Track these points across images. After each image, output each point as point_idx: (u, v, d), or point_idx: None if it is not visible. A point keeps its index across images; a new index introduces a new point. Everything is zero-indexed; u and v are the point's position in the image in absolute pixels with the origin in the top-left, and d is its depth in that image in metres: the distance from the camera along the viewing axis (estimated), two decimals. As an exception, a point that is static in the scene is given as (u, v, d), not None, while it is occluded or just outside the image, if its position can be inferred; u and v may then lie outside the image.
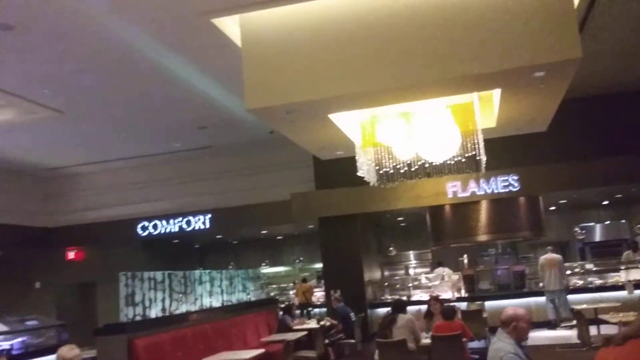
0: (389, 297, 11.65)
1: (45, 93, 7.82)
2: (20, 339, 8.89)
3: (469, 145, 6.17)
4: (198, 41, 6.42)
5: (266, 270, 15.45)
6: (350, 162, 6.94)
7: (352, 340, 9.40)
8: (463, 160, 6.26)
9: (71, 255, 12.94)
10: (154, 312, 7.51)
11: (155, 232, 12.47)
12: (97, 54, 6.77)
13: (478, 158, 6.26)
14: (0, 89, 7.50)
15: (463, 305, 9.98)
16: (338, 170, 9.68)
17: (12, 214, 11.59)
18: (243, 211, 11.88)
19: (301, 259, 16.08)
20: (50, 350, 8.61)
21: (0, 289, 12.18)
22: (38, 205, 12.53)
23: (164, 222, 12.46)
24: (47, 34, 6.17)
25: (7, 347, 8.52)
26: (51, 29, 6.05)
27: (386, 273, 14.08)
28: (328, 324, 9.35)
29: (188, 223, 12.30)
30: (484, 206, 10.57)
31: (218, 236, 14.25)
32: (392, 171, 6.62)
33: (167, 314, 7.75)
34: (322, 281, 12.59)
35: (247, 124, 9.76)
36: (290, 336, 8.40)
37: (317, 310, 12.35)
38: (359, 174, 6.79)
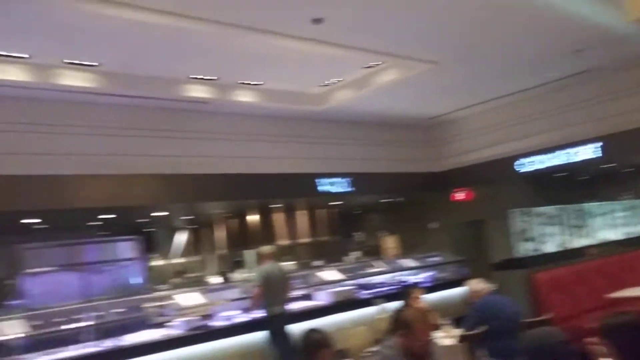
0: None
1: (419, 48, 8.39)
2: (428, 274, 10.00)
3: None
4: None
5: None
6: None
7: None
8: None
9: (458, 195, 13.71)
10: (549, 247, 7.48)
11: (536, 167, 12.21)
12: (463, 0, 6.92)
13: None
14: (386, 52, 8.37)
15: None
16: None
17: (405, 162, 12.92)
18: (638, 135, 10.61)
19: None
20: (454, 283, 9.45)
21: (404, 229, 13.81)
22: (425, 153, 13.62)
23: (544, 155, 12.09)
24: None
25: (418, 280, 9.70)
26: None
27: None
28: None
29: (572, 154, 11.66)
30: None
31: (607, 165, 13.12)
32: None
33: (562, 248, 7.63)
34: None
35: (627, 40, 8.68)
36: None
37: None
38: None
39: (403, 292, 6.71)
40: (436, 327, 5.57)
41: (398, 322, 3.85)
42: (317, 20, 6.89)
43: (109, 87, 8.22)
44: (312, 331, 3.68)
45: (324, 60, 8.61)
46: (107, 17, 6.23)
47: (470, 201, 13.56)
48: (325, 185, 11.28)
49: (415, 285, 7.88)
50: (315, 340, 3.62)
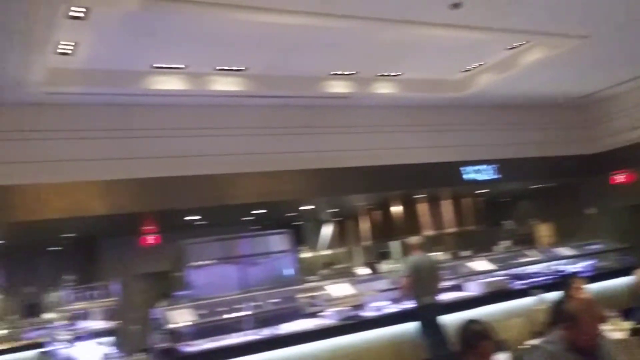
0: None
1: (567, 23, 7.86)
2: (587, 262, 9.34)
3: None
4: None
5: None
6: None
7: None
8: None
9: (618, 178, 12.66)
10: None
11: None
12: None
13: None
14: (530, 31, 7.95)
15: None
16: None
17: (556, 145, 12.18)
18: None
19: None
20: (618, 272, 8.75)
21: (558, 216, 13.04)
22: (577, 134, 12.74)
23: None
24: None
25: (577, 269, 9.10)
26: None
27: None
28: None
29: None
30: None
31: None
32: None
33: None
34: None
35: None
36: None
37: None
38: None
39: (562, 282, 6.32)
40: (604, 320, 5.19)
41: (561, 314, 3.61)
42: (455, 5, 6.72)
43: (256, 89, 8.67)
44: (472, 322, 3.59)
45: (464, 45, 8.38)
46: (253, 23, 6.57)
47: (633, 183, 12.48)
48: (471, 174, 10.98)
49: (575, 274, 7.41)
50: (476, 332, 3.53)
